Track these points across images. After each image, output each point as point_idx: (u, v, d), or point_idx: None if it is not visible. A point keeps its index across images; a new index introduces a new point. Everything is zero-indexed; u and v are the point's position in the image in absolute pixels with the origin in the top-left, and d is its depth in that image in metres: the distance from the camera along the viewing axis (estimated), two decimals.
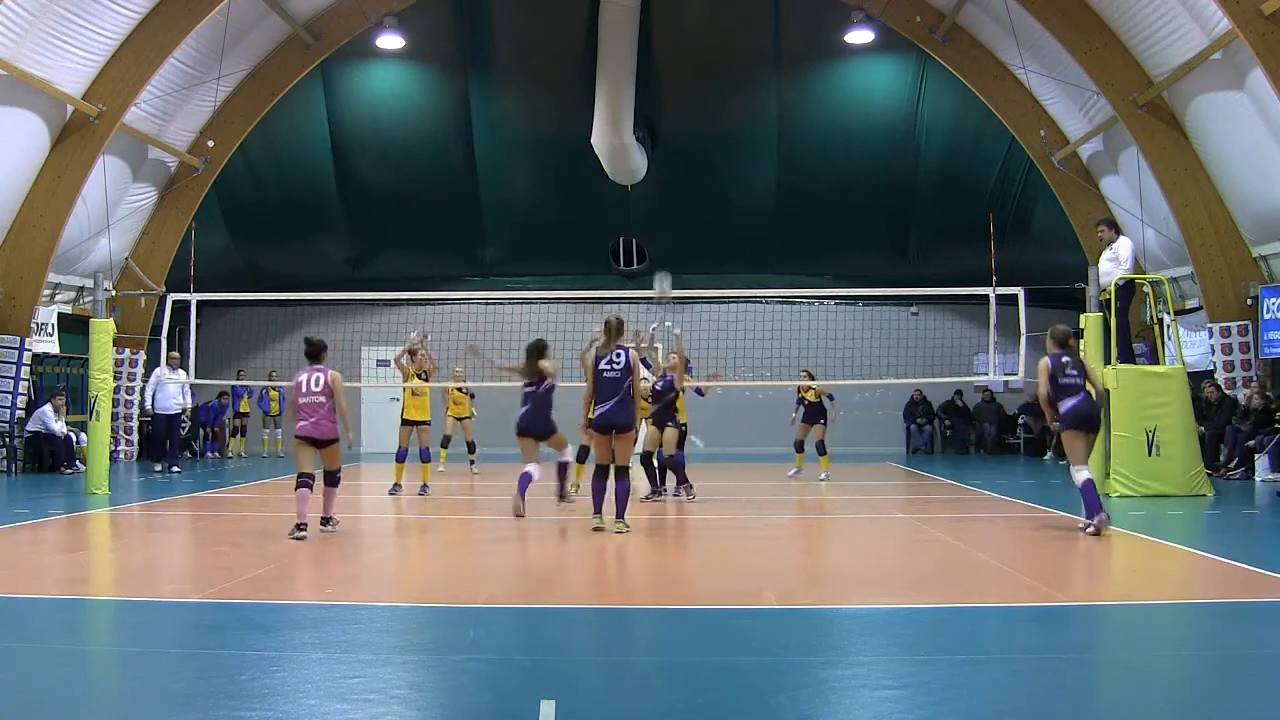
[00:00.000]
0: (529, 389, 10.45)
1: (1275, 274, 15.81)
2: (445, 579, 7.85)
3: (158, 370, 16.91)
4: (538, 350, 10.48)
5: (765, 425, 14.66)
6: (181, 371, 16.62)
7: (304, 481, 9.32)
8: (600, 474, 9.61)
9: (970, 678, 4.92)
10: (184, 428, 19.91)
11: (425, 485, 13.25)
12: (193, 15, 15.92)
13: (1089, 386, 9.61)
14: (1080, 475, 9.36)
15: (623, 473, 9.60)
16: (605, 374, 9.51)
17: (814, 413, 15.53)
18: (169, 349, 16.85)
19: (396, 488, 13.22)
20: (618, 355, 9.52)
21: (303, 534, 9.03)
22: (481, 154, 20.60)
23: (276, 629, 5.95)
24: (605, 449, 9.62)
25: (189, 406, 17.61)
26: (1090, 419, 9.55)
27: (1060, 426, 9.65)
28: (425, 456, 13.38)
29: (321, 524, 9.52)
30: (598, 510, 9.56)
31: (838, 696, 4.69)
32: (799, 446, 15.84)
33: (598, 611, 6.60)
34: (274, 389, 21.27)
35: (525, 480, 10.29)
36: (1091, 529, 9.17)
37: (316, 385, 9.47)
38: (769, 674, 4.95)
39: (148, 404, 16.71)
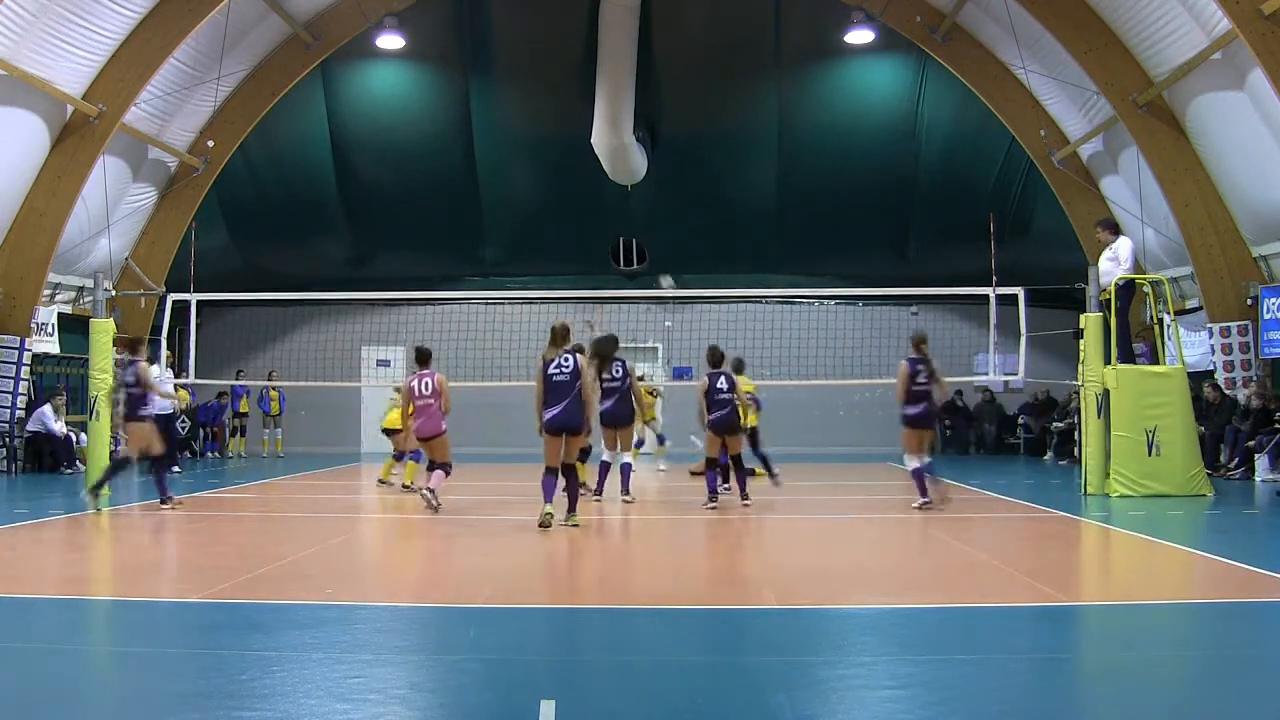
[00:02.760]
0: (612, 383, 11.55)
1: (1275, 274, 15.81)
2: (445, 579, 7.85)
3: (154, 370, 16.84)
4: (614, 343, 11.66)
5: (765, 425, 14.63)
6: (170, 371, 16.70)
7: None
8: (550, 473, 9.77)
9: (970, 678, 4.92)
10: (184, 427, 19.94)
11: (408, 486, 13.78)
12: (193, 15, 15.92)
13: (936, 389, 11.16)
14: (911, 464, 11.13)
15: (570, 470, 9.92)
16: (555, 377, 9.76)
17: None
18: (162, 347, 16.83)
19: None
20: (565, 359, 9.79)
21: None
22: (481, 154, 20.59)
23: (276, 629, 5.95)
24: (557, 450, 9.79)
25: (180, 406, 17.69)
26: (930, 419, 11.34)
27: (903, 422, 11.15)
28: (417, 457, 13.97)
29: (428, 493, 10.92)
30: (548, 500, 9.73)
31: (838, 696, 4.69)
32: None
33: (598, 611, 6.60)
34: (274, 389, 21.26)
35: (623, 468, 11.98)
36: (919, 505, 10.84)
37: (426, 389, 11.12)
38: (769, 674, 4.96)
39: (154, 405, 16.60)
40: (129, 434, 11.56)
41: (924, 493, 11.04)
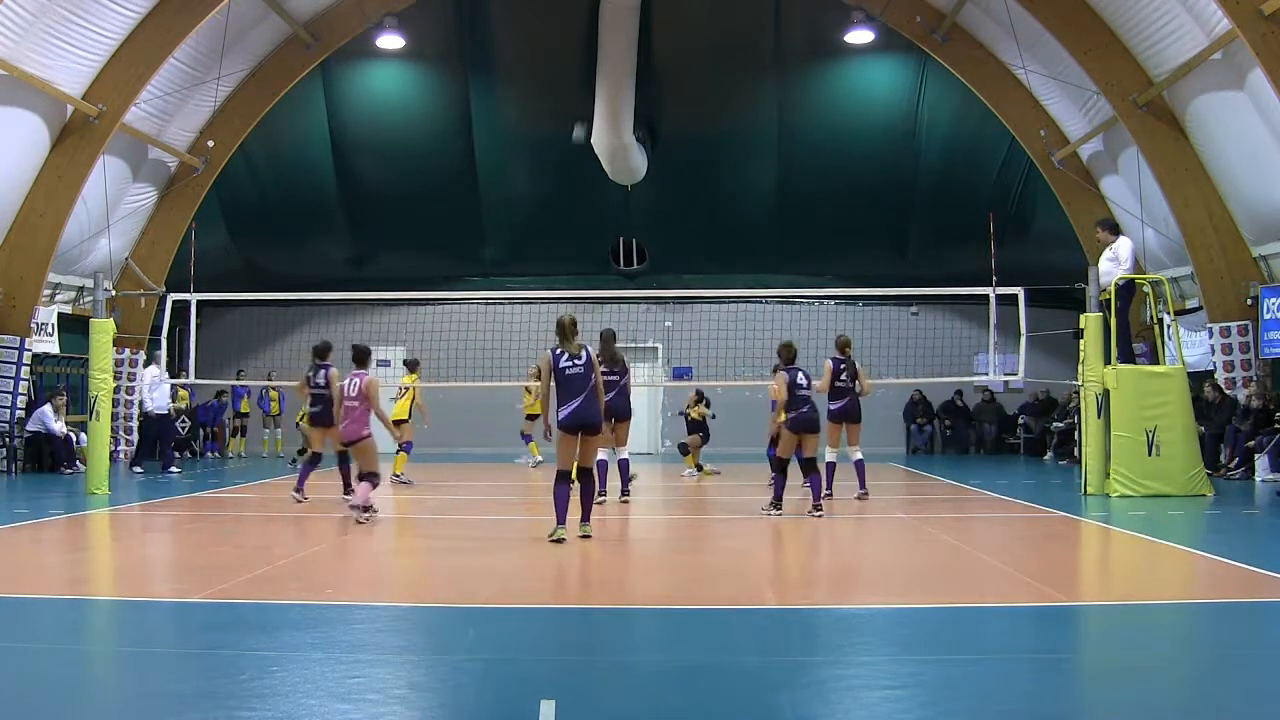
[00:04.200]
0: (610, 377, 11.30)
1: (1275, 274, 15.81)
2: (445, 579, 7.85)
3: (152, 370, 16.88)
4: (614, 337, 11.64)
5: (765, 425, 14.64)
6: (165, 371, 16.77)
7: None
8: (563, 481, 9.01)
9: (970, 678, 4.92)
10: (184, 427, 19.95)
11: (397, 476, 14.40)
12: (193, 15, 15.91)
13: (859, 387, 12.19)
14: (830, 455, 12.23)
15: (586, 474, 9.18)
16: (568, 371, 9.04)
17: (697, 427, 16.74)
18: (162, 349, 16.84)
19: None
20: (580, 353, 9.12)
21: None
22: (481, 154, 20.58)
23: (276, 629, 5.95)
24: (572, 451, 9.04)
25: (175, 406, 17.82)
26: (854, 414, 12.30)
27: (829, 418, 11.94)
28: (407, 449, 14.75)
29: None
30: (561, 520, 8.96)
31: (838, 696, 4.69)
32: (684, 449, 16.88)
33: (598, 611, 6.60)
34: (274, 389, 21.26)
35: (621, 466, 12.10)
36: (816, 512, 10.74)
37: (353, 390, 10.60)
38: (769, 674, 4.96)
39: (149, 405, 16.65)
40: (313, 433, 12.48)
41: (819, 495, 10.95)
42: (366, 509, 10.24)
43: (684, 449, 16.95)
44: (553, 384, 9.12)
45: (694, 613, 6.48)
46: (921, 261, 21.68)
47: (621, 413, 11.94)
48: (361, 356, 11.00)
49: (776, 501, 10.91)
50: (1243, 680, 4.98)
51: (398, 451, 14.52)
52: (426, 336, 19.30)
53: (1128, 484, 12.30)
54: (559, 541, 8.81)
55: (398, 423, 14.33)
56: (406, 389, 14.74)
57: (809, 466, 10.90)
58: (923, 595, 6.97)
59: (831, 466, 12.42)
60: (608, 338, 11.72)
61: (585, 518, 9.21)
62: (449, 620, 6.27)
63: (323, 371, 12.27)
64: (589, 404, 9.04)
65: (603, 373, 10.38)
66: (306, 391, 12.61)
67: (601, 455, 11.59)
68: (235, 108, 19.08)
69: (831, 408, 12.15)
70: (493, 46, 19.65)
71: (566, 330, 9.16)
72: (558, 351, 9.11)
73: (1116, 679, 5.01)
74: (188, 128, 18.79)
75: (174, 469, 16.65)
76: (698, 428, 16.75)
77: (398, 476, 14.27)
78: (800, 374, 10.96)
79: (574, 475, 9.09)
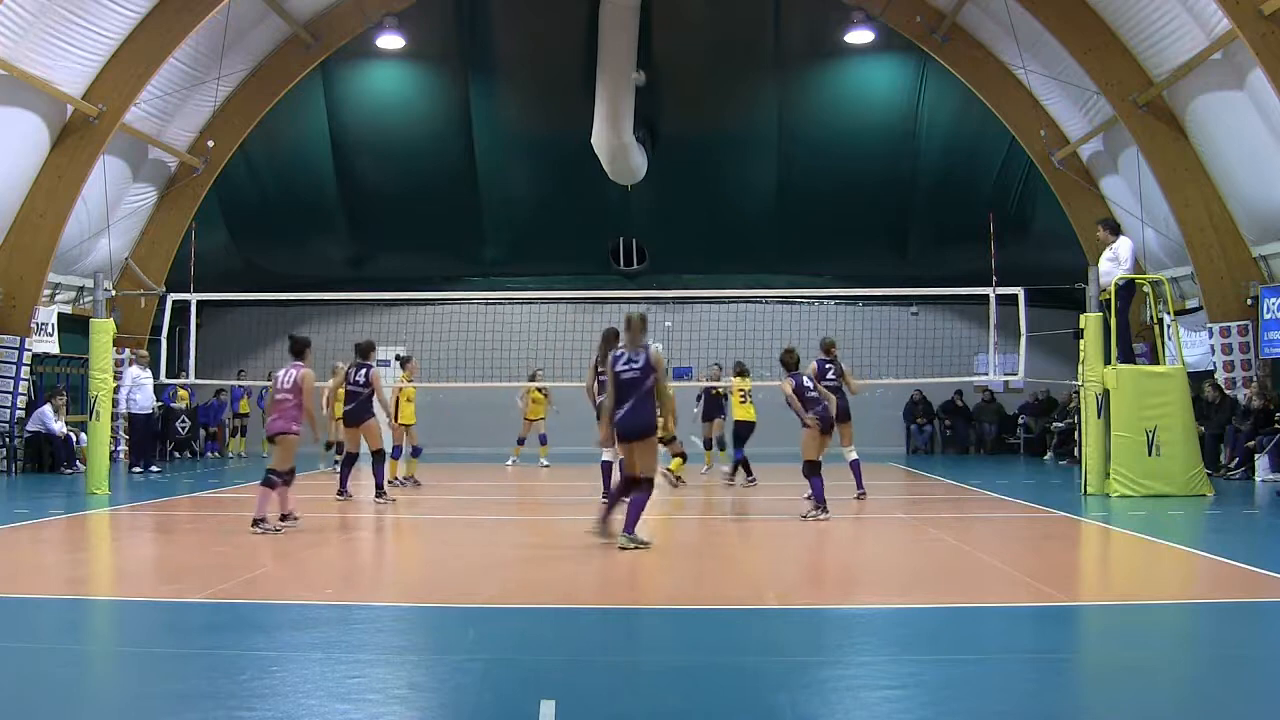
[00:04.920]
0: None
1: (1275, 274, 15.81)
2: (445, 579, 7.85)
3: (132, 370, 16.85)
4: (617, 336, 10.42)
5: (765, 425, 14.62)
6: (149, 370, 16.75)
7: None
8: (622, 486, 8.79)
9: (970, 678, 4.93)
10: (184, 427, 19.94)
11: (410, 479, 14.37)
12: (193, 15, 15.92)
13: (846, 386, 12.29)
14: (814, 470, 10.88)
15: (642, 485, 8.66)
16: (623, 374, 8.62)
17: (713, 408, 16.05)
18: (163, 349, 16.84)
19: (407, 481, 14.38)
20: (637, 354, 8.65)
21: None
22: (481, 154, 20.58)
23: (276, 629, 5.95)
24: (628, 459, 8.74)
25: (175, 406, 17.79)
26: (844, 414, 12.09)
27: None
28: (416, 452, 14.64)
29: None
30: (609, 508, 8.82)
31: (838, 696, 4.69)
32: (707, 444, 16.30)
33: (598, 611, 6.59)
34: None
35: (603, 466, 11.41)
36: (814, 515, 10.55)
37: (287, 383, 9.85)
38: (769, 674, 4.96)
39: (123, 405, 16.54)
40: (354, 432, 12.27)
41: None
42: (282, 519, 9.60)
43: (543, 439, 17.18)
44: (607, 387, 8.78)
45: (694, 613, 6.48)
46: (921, 261, 21.67)
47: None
48: (298, 348, 10.19)
49: (820, 504, 10.63)
50: (1243, 680, 4.98)
51: (411, 455, 14.46)
52: (426, 336, 19.30)
53: (1128, 484, 12.29)
54: (599, 530, 8.65)
55: (406, 427, 14.36)
56: (400, 389, 14.70)
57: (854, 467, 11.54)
58: (923, 595, 6.97)
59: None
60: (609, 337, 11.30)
61: (629, 527, 8.60)
62: (449, 620, 6.27)
63: (364, 370, 12.24)
64: (636, 411, 8.55)
65: (599, 373, 10.28)
66: (341, 390, 12.59)
67: (606, 455, 11.34)
68: (235, 108, 19.08)
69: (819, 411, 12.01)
70: (493, 46, 19.66)
71: (634, 327, 8.73)
72: (618, 354, 8.74)
73: (1116, 679, 5.01)
74: (188, 128, 18.79)
75: (154, 468, 16.59)
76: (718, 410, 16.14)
77: (409, 480, 14.26)
78: (805, 377, 11.00)
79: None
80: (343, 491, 12.24)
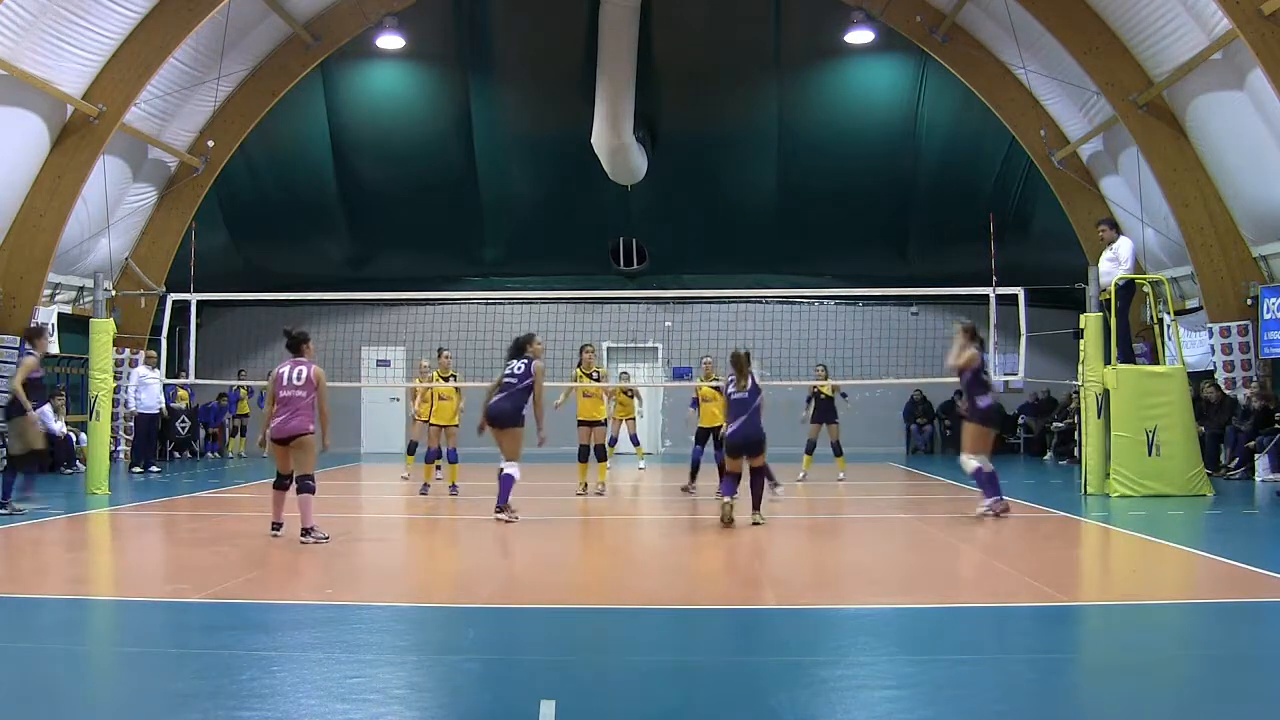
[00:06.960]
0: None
1: (1275, 274, 15.81)
2: (445, 579, 7.84)
3: (138, 370, 16.84)
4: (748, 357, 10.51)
5: (766, 425, 14.61)
6: (159, 371, 16.71)
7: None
8: (730, 477, 10.29)
9: (970, 678, 4.93)
10: (184, 427, 19.95)
11: (454, 485, 13.44)
12: (193, 15, 15.92)
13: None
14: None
15: (754, 472, 10.27)
16: (733, 396, 10.34)
17: (825, 411, 15.03)
18: (161, 348, 16.82)
19: (426, 487, 13.56)
20: (746, 385, 10.26)
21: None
22: (481, 154, 20.59)
23: (276, 629, 5.95)
24: (735, 466, 10.35)
25: (175, 406, 17.74)
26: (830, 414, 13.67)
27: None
28: (453, 457, 13.53)
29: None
30: (728, 494, 10.09)
31: (838, 696, 4.69)
32: (810, 447, 15.20)
33: (598, 611, 6.59)
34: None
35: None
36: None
37: (299, 378, 9.10)
38: (769, 674, 4.96)
39: (132, 404, 16.54)
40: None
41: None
42: (310, 533, 8.87)
43: (635, 440, 16.59)
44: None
45: (694, 613, 6.48)
46: (921, 261, 21.67)
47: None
48: (296, 343, 9.35)
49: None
50: (1243, 680, 4.98)
51: (449, 460, 13.50)
52: (426, 336, 19.26)
53: (1128, 484, 12.30)
54: (726, 510, 9.91)
55: (443, 428, 13.48)
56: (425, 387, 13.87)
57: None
58: (923, 595, 6.97)
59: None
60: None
61: (755, 505, 10.20)
62: (449, 620, 6.28)
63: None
64: (742, 426, 10.18)
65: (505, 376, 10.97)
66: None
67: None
68: (235, 108, 19.09)
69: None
70: (493, 46, 19.66)
71: (741, 364, 10.31)
72: (728, 384, 10.45)
73: (1116, 679, 5.01)
74: (188, 128, 18.80)
75: (154, 468, 16.59)
76: (831, 414, 15.20)
77: (452, 488, 13.41)
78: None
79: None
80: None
